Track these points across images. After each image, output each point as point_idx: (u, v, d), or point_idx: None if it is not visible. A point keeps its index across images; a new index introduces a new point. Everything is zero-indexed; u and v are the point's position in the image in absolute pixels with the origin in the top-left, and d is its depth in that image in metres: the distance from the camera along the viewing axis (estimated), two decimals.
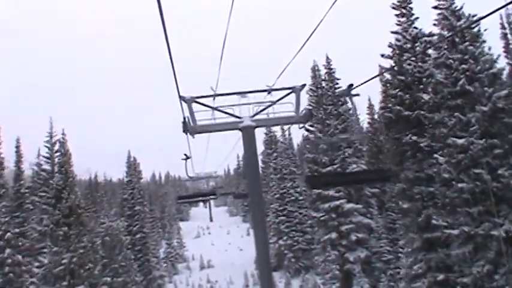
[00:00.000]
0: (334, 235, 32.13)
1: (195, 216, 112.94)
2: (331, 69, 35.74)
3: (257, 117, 8.51)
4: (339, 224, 32.21)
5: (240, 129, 8.12)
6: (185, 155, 12.90)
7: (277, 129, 59.59)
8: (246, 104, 8.66)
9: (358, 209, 32.84)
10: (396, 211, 34.66)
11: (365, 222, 33.07)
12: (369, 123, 42.27)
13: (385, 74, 21.64)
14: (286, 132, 55.93)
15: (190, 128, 8.23)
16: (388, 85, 21.82)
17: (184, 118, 8.14)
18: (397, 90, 19.82)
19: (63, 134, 31.30)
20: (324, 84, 36.08)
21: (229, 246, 73.62)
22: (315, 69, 36.83)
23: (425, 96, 19.13)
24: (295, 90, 8.48)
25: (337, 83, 36.04)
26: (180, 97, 7.78)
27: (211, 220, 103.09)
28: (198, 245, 76.65)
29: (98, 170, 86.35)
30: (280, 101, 8.64)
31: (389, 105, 20.46)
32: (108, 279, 29.78)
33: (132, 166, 51.74)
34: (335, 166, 33.34)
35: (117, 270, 31.93)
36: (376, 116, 40.74)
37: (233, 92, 8.69)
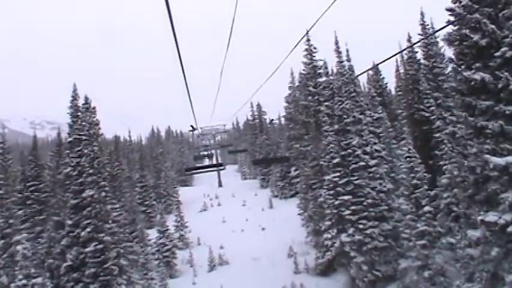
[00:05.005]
0: None
1: (200, 180, 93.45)
2: None
3: None
4: None
5: None
6: (191, 126, 17.38)
7: (327, 53, 37.66)
8: None
9: None
10: None
11: None
12: None
13: None
14: (344, 55, 34.18)
15: None
16: None
17: None
18: None
19: None
20: None
21: (247, 224, 54.25)
22: None
23: None
24: None
25: None
26: None
27: (220, 185, 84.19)
28: (205, 222, 57.33)
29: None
30: None
31: None
32: None
33: (81, 114, 27.95)
34: None
35: None
36: None
37: None
